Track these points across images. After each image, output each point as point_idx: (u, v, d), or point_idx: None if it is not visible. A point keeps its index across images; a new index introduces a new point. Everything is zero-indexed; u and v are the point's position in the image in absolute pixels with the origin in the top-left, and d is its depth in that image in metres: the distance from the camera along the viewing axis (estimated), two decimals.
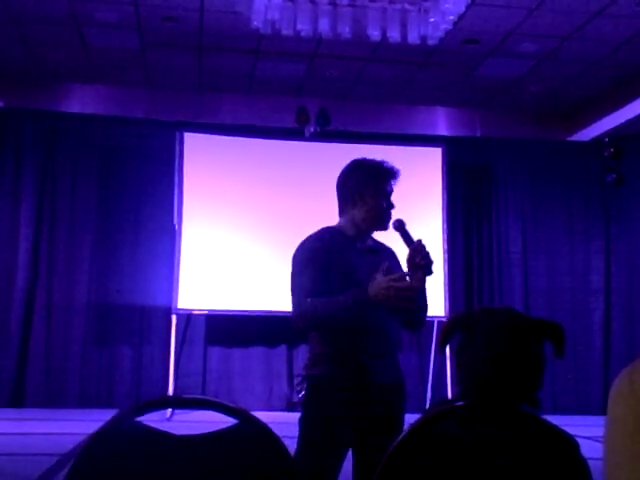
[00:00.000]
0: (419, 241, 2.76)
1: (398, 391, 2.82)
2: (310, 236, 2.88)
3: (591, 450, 1.94)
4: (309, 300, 2.67)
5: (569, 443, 1.60)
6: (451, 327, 1.88)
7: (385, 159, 2.94)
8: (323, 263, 2.74)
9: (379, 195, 2.83)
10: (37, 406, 7.54)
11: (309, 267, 2.74)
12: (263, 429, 1.60)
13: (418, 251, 2.74)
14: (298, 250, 2.84)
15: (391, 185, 2.86)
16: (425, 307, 2.88)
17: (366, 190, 2.83)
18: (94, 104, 8.56)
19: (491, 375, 1.76)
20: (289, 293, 2.79)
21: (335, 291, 2.69)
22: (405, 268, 2.83)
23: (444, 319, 7.53)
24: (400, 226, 2.80)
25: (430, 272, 2.74)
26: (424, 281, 2.78)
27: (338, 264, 2.77)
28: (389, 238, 3.00)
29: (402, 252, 2.88)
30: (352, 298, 2.64)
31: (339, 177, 2.93)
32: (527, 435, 1.60)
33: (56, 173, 8.05)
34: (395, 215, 2.90)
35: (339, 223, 2.92)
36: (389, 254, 2.95)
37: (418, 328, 2.99)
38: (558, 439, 1.60)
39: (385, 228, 2.88)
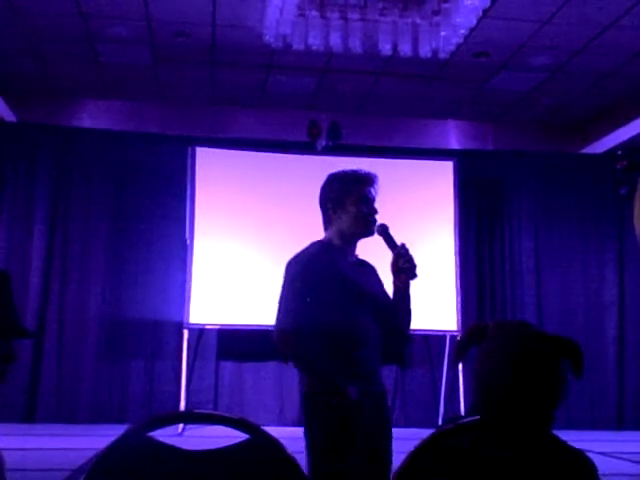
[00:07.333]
0: (402, 245, 2.87)
1: (382, 397, 2.92)
2: (305, 252, 2.95)
3: (606, 466, 1.91)
4: (303, 339, 2.78)
5: (585, 464, 1.57)
6: (468, 339, 1.85)
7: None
8: (318, 282, 2.82)
9: (359, 201, 2.90)
10: (49, 421, 7.53)
11: (299, 286, 2.83)
12: (275, 444, 1.59)
13: (402, 255, 2.82)
14: (292, 265, 2.91)
15: (370, 191, 2.93)
16: (408, 317, 2.94)
17: (346, 198, 2.91)
18: (107, 119, 8.61)
19: (506, 391, 1.74)
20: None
21: (338, 302, 2.81)
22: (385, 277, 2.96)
23: (457, 333, 7.49)
24: (383, 230, 2.90)
25: (414, 275, 2.85)
26: (408, 285, 2.85)
27: (336, 277, 2.86)
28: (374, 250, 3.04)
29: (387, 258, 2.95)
30: (330, 378, 2.74)
31: (320, 193, 3.02)
32: (541, 453, 1.57)
33: (69, 188, 8.07)
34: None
35: (327, 236, 2.99)
36: (372, 270, 3.03)
37: (402, 339, 3.09)
38: (574, 459, 1.57)
39: (370, 233, 2.94)
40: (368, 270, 3.02)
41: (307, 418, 2.82)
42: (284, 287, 2.87)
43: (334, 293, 2.83)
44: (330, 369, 2.78)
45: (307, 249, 2.95)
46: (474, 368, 1.80)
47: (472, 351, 1.84)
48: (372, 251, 3.09)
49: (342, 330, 2.83)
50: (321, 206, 3.00)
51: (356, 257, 3.02)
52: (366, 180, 2.93)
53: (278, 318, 2.84)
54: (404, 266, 2.84)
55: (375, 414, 2.82)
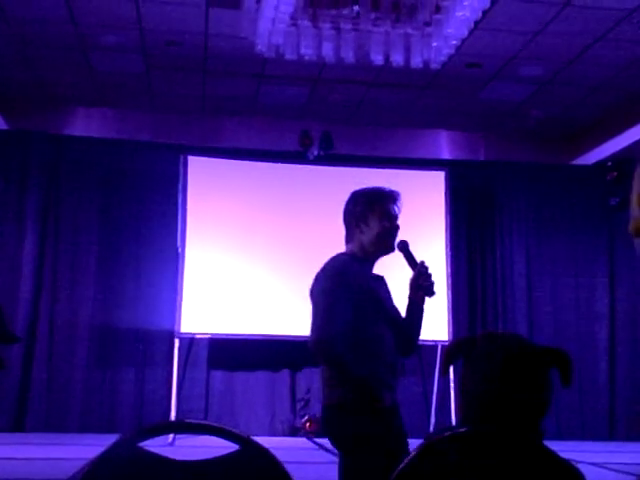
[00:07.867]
0: (422, 262, 2.91)
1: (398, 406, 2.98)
2: (334, 261, 2.95)
3: (596, 477, 1.92)
4: (340, 348, 2.78)
5: (575, 475, 1.57)
6: (453, 351, 1.87)
7: (388, 183, 3.08)
8: (351, 290, 2.84)
9: (381, 216, 2.95)
10: (38, 430, 7.50)
11: (333, 295, 2.83)
12: (265, 454, 1.59)
13: (422, 272, 2.87)
14: (324, 275, 2.91)
15: (393, 208, 2.99)
16: (419, 331, 3.01)
17: (369, 213, 2.96)
18: (99, 127, 8.60)
19: (492, 402, 1.74)
20: (310, 314, 2.89)
21: (368, 312, 2.86)
22: (403, 290, 3.01)
23: (447, 343, 7.49)
24: (404, 247, 2.95)
25: (432, 293, 2.89)
26: (424, 301, 2.92)
27: (365, 287, 2.90)
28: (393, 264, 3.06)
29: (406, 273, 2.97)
30: (369, 385, 2.77)
31: (344, 207, 3.07)
32: (531, 464, 1.57)
33: (60, 196, 8.06)
34: (398, 238, 3.00)
35: (348, 250, 3.03)
36: (385, 284, 3.10)
37: (410, 353, 3.13)
38: (563, 471, 1.57)
39: (391, 249, 3.00)
40: (383, 284, 3.08)
41: (342, 425, 2.82)
42: (318, 296, 2.88)
43: (363, 302, 2.87)
44: (367, 376, 2.80)
45: (335, 258, 2.97)
46: (461, 378, 1.81)
47: (459, 362, 1.84)
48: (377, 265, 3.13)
49: (372, 339, 2.88)
50: (344, 221, 3.06)
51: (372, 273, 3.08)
52: (389, 197, 2.99)
53: (317, 327, 2.83)
54: (424, 284, 2.91)
55: (399, 421, 2.90)
